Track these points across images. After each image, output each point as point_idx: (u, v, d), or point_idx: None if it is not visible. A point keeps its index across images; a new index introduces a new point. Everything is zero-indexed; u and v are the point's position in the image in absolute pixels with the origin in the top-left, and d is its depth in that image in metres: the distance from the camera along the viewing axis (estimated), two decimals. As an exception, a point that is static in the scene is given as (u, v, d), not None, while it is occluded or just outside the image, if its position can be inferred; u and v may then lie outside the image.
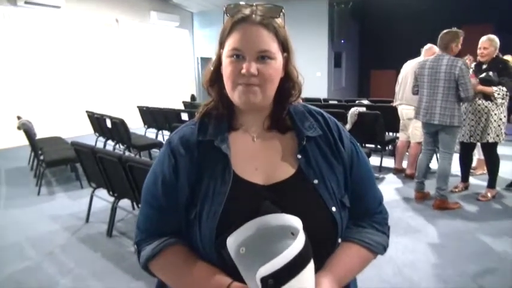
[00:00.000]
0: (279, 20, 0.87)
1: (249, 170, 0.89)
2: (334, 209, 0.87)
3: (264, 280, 0.68)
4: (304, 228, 0.75)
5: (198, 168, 0.88)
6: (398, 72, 5.04)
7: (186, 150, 0.90)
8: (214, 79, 0.92)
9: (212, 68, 0.92)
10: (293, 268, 0.69)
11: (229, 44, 0.85)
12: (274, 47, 0.85)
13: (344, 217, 0.90)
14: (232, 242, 0.75)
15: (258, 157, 0.91)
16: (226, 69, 0.86)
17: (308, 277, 0.73)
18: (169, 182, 0.89)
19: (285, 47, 0.89)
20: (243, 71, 0.82)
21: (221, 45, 0.89)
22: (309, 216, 0.81)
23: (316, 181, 0.88)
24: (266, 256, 0.72)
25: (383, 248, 0.95)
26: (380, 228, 0.97)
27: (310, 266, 0.73)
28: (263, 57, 0.84)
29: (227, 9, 0.87)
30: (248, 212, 0.79)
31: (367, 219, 0.97)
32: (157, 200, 0.91)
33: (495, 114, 3.77)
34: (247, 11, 0.85)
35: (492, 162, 3.95)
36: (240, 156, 0.90)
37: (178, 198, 0.88)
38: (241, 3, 0.86)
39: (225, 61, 0.86)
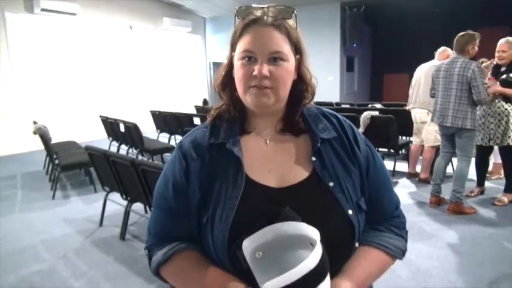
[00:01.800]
0: (291, 22, 0.86)
1: (262, 172, 0.87)
2: (350, 212, 0.85)
3: None
4: (321, 232, 0.73)
5: (209, 171, 0.87)
6: (411, 76, 4.99)
7: (197, 153, 0.89)
8: (226, 82, 0.91)
9: (224, 72, 0.91)
10: (304, 285, 0.67)
11: (241, 46, 0.84)
12: (286, 49, 0.84)
13: (361, 220, 0.88)
14: (249, 245, 0.74)
15: (271, 160, 0.90)
16: (238, 72, 0.85)
17: None
18: (180, 185, 0.88)
19: (297, 49, 0.88)
20: (255, 72, 0.81)
21: (232, 47, 0.88)
22: (325, 219, 0.80)
23: (331, 184, 0.86)
24: (282, 264, 0.70)
25: (402, 253, 0.93)
26: (398, 232, 0.95)
27: (325, 283, 0.71)
28: (275, 58, 0.83)
29: (238, 12, 0.86)
30: (261, 215, 0.78)
31: (384, 223, 0.95)
32: (168, 203, 0.90)
33: None
34: (258, 13, 0.84)
35: (510, 166, 3.86)
36: (252, 159, 0.88)
37: (189, 202, 0.87)
38: (253, 5, 0.86)
39: (237, 64, 0.86)
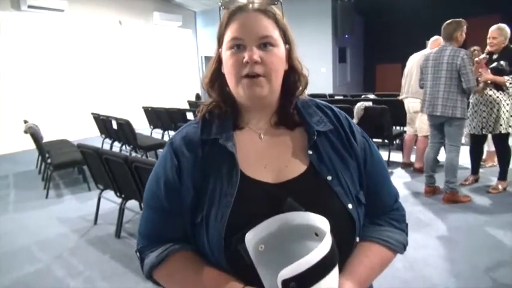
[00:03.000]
0: (277, 10, 0.84)
1: (258, 168, 0.85)
2: (350, 206, 0.82)
3: (285, 283, 0.64)
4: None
5: (202, 168, 0.84)
6: (403, 66, 4.99)
7: (189, 150, 0.86)
8: (215, 79, 0.89)
9: (212, 69, 0.89)
10: (317, 272, 0.66)
11: (228, 35, 0.82)
12: (275, 34, 0.82)
13: (361, 214, 0.86)
14: (251, 238, 0.71)
15: (266, 155, 0.87)
16: (228, 63, 0.82)
17: (332, 282, 0.69)
18: (172, 183, 0.85)
19: (286, 38, 0.85)
20: (245, 59, 0.79)
21: (219, 41, 0.86)
22: (324, 214, 0.77)
23: (329, 177, 0.83)
24: (286, 256, 0.68)
25: (403, 247, 0.91)
26: (398, 226, 0.93)
27: (335, 271, 0.70)
28: (265, 44, 0.81)
29: (223, 3, 0.84)
30: (258, 211, 0.76)
31: (384, 217, 0.93)
32: (159, 202, 0.86)
33: (507, 104, 3.69)
34: (243, 1, 0.83)
35: (503, 153, 3.88)
36: (247, 155, 0.86)
37: (182, 201, 0.84)
38: None
39: (226, 55, 0.83)
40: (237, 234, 0.74)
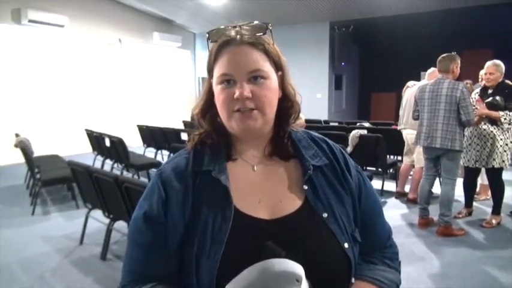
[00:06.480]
0: (267, 38, 0.81)
1: (251, 203, 0.81)
2: (346, 245, 0.79)
3: None
4: (316, 268, 0.69)
5: (193, 202, 0.79)
6: (398, 95, 5.04)
7: (179, 182, 0.81)
8: (206, 109, 0.86)
9: (203, 99, 0.87)
10: None
11: (218, 70, 0.80)
12: (266, 66, 0.79)
13: (356, 253, 0.83)
14: None
15: (260, 188, 0.83)
16: (219, 98, 0.80)
17: None
18: (158, 217, 0.80)
19: (277, 65, 0.83)
20: (236, 95, 0.76)
21: (210, 73, 0.84)
22: (320, 254, 0.74)
23: (325, 214, 0.80)
24: None
25: (396, 287, 0.89)
26: (392, 265, 0.91)
27: None
28: (255, 77, 0.78)
29: (210, 35, 0.82)
30: (253, 251, 0.72)
31: (377, 254, 0.90)
32: (143, 238, 0.81)
33: (501, 139, 3.70)
34: (231, 33, 0.80)
35: (497, 188, 3.86)
36: (240, 188, 0.82)
37: (168, 237, 0.79)
38: (224, 26, 0.82)
39: (216, 89, 0.81)
40: (229, 274, 0.69)
